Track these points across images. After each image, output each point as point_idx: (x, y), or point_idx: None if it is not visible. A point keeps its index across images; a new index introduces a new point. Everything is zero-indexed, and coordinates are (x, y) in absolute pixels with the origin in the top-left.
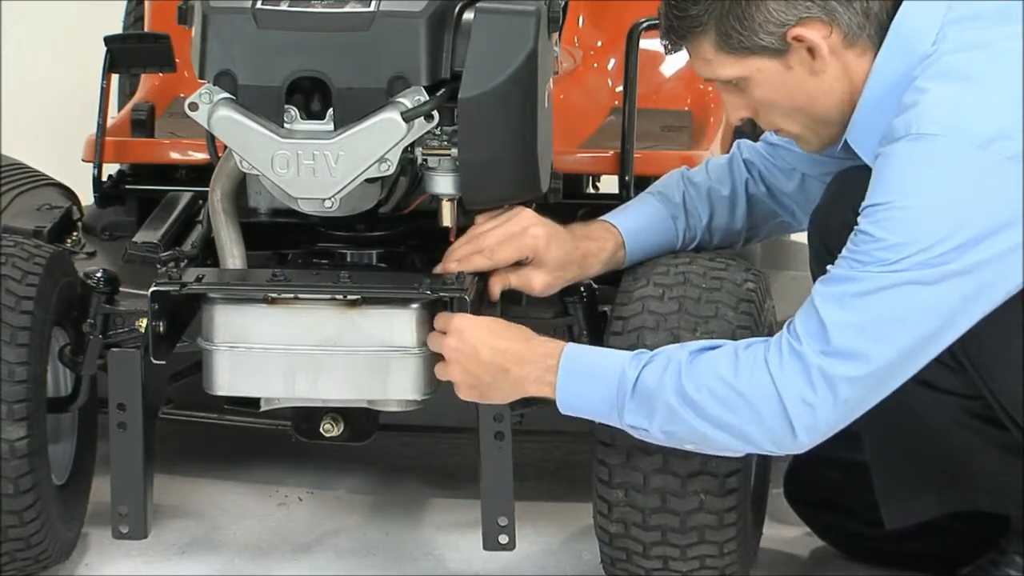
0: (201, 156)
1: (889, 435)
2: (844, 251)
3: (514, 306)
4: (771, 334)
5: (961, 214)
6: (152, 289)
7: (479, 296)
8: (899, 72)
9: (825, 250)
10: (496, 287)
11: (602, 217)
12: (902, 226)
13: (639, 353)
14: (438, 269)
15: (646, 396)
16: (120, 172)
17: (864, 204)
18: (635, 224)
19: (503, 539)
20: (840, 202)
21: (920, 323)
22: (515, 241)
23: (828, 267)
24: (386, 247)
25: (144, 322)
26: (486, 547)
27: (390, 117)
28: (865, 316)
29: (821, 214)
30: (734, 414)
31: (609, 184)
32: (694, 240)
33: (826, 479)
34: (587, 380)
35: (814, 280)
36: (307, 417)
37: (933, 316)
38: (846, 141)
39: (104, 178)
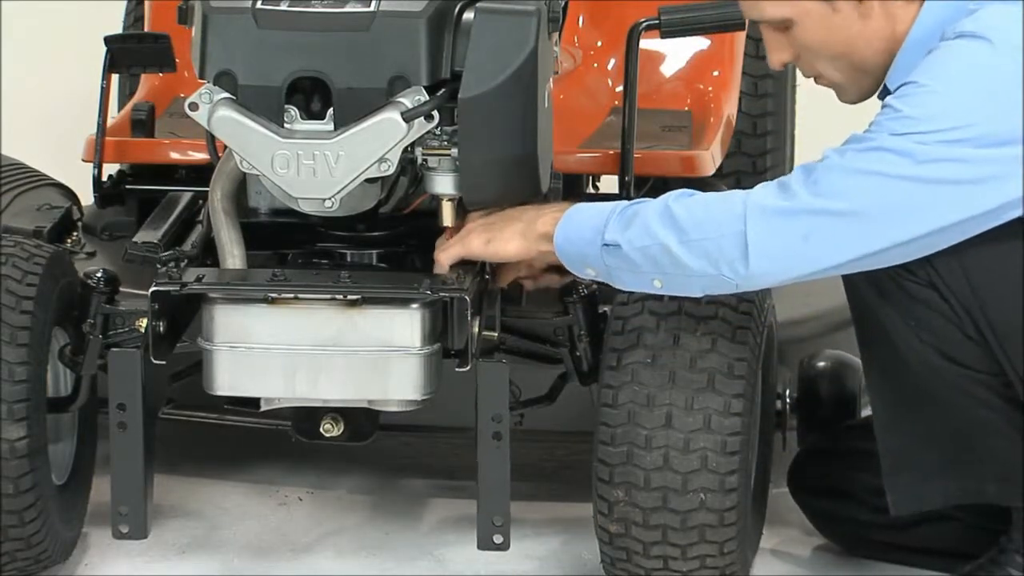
0: (201, 156)
1: (903, 415)
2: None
3: (514, 305)
4: (771, 334)
5: (978, 111)
6: (152, 289)
7: (479, 295)
8: (947, 13)
9: None
10: (508, 276)
11: None
12: (919, 103)
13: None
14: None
15: (630, 214)
16: (120, 172)
17: (901, 87)
18: None
19: (497, 539)
20: None
21: (898, 192)
22: None
23: None
24: (386, 247)
25: (144, 322)
26: (480, 546)
27: (390, 117)
28: (854, 164)
29: None
30: (700, 227)
31: (609, 184)
32: None
33: (832, 468)
34: (588, 211)
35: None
36: (307, 417)
37: (913, 193)
38: (885, 88)
39: (104, 178)
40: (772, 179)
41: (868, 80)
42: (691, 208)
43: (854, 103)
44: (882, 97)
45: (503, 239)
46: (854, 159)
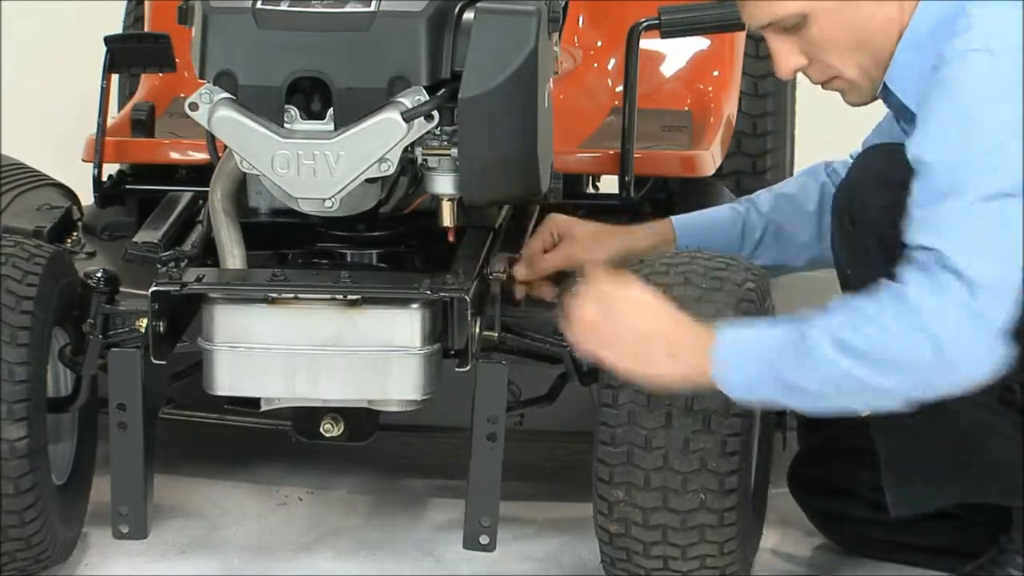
0: (201, 156)
1: (904, 417)
2: (917, 187)
3: (514, 306)
4: None
5: (1016, 122)
6: (152, 289)
7: (479, 296)
8: (945, 12)
9: (853, 226)
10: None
11: None
12: (960, 136)
13: (790, 320)
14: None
15: (803, 352)
16: (120, 172)
17: (920, 135)
18: (689, 216)
19: (484, 539)
20: (870, 179)
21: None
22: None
23: (856, 245)
24: (386, 247)
25: (144, 322)
26: (466, 546)
27: (390, 117)
28: (979, 233)
29: (848, 192)
30: (885, 347)
31: (609, 184)
32: (753, 222)
33: (832, 467)
34: (745, 347)
35: (837, 266)
36: (307, 417)
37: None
38: (885, 86)
39: (104, 178)
40: (772, 180)
41: (881, 75)
42: (866, 333)
43: (863, 104)
44: (883, 95)
45: (655, 367)
46: (968, 223)
